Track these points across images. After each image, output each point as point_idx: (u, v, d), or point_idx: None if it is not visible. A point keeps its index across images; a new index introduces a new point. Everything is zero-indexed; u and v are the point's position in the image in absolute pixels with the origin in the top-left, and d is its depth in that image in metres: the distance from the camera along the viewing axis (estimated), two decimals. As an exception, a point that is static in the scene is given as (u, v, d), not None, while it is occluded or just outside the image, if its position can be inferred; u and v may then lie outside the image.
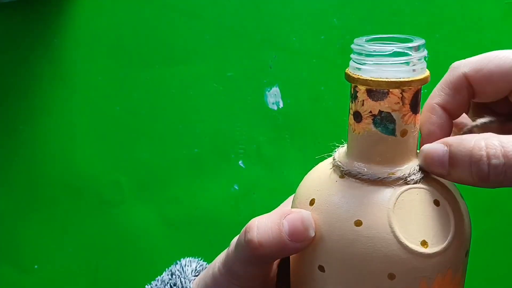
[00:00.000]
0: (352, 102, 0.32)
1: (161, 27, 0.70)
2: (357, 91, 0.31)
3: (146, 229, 0.76)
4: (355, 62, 0.31)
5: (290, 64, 0.69)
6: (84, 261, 0.78)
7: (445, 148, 0.30)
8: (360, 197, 0.31)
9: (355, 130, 0.32)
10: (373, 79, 0.30)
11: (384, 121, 0.31)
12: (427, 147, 0.31)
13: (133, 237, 0.77)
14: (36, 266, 0.79)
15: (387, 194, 0.30)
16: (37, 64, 0.73)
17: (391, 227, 0.29)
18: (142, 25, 0.70)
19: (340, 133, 0.72)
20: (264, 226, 0.32)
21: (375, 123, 0.31)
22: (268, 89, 0.70)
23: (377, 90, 0.30)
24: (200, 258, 0.48)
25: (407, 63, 0.30)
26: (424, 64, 0.31)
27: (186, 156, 0.73)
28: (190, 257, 0.47)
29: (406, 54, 0.30)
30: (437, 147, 0.30)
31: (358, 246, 0.30)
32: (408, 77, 0.30)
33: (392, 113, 0.30)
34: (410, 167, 0.31)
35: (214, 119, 0.72)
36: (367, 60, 0.30)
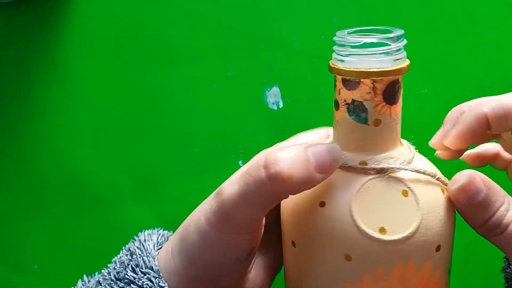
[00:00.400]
0: (334, 91, 0.35)
1: (161, 27, 0.70)
2: (336, 81, 0.34)
3: (146, 229, 0.76)
4: (335, 53, 0.33)
5: (290, 64, 0.69)
6: (84, 261, 0.78)
7: (484, 191, 0.31)
8: (329, 181, 0.32)
9: (335, 117, 0.35)
10: (345, 68, 0.32)
11: (356, 110, 0.32)
12: (471, 176, 0.32)
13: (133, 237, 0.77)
14: (36, 266, 0.79)
15: (355, 180, 0.32)
16: (37, 64, 0.73)
17: (350, 211, 0.31)
18: (142, 25, 0.70)
19: (340, 133, 0.72)
20: (290, 158, 0.30)
21: (349, 111, 0.33)
22: (268, 89, 0.70)
23: (349, 80, 0.32)
24: (160, 228, 0.45)
25: (385, 54, 0.31)
26: (403, 55, 0.32)
27: (186, 156, 0.73)
28: (149, 230, 0.44)
29: (383, 45, 0.31)
30: (479, 186, 0.31)
31: (320, 225, 0.32)
32: (379, 68, 0.31)
33: (364, 103, 0.32)
34: (384, 156, 0.32)
35: (214, 119, 0.72)
36: (345, 51, 0.32)
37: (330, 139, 0.37)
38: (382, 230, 0.30)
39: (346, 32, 0.34)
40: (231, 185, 0.33)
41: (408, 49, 0.37)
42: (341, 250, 0.31)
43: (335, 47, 0.34)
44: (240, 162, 0.72)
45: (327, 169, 0.30)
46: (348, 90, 0.32)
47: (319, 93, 0.69)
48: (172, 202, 0.75)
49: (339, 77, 0.33)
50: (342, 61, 0.32)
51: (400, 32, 0.31)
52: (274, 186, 0.30)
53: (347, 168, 0.32)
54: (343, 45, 0.32)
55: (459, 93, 0.66)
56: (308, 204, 0.32)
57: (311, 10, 0.67)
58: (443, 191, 0.33)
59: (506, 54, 0.65)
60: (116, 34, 0.71)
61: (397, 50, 0.31)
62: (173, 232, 0.41)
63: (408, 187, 0.32)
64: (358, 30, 0.33)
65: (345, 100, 0.33)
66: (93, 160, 0.75)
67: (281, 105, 0.70)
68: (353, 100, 0.32)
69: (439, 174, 0.34)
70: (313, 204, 0.32)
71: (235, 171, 0.75)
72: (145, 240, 0.41)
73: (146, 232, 0.43)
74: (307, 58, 0.68)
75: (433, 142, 0.36)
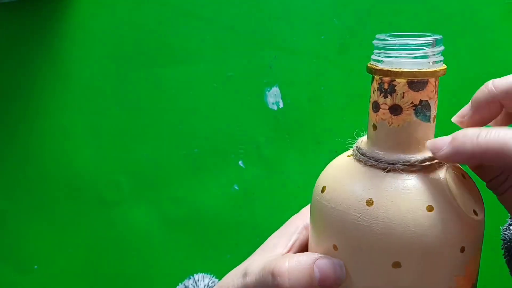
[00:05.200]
0: (386, 97, 0.33)
1: (161, 27, 0.70)
2: (395, 85, 0.32)
3: (146, 229, 0.76)
4: (390, 57, 0.33)
5: (290, 64, 0.69)
6: (84, 261, 0.78)
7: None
8: (434, 188, 0.32)
9: (392, 123, 0.33)
10: (416, 70, 0.32)
11: (423, 110, 0.33)
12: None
13: (133, 237, 0.77)
14: (36, 266, 0.79)
15: (433, 176, 0.32)
16: (37, 64, 0.73)
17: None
18: (142, 25, 0.70)
19: (340, 132, 0.73)
20: (295, 272, 0.32)
21: (416, 112, 0.33)
22: (268, 89, 0.70)
23: (418, 81, 0.32)
24: (212, 275, 0.50)
25: (426, 56, 0.32)
26: (441, 58, 0.33)
27: (186, 156, 0.73)
28: (203, 273, 0.49)
29: (421, 49, 0.32)
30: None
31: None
32: (442, 67, 0.32)
33: (429, 101, 0.33)
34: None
35: (214, 119, 0.72)
36: (406, 54, 0.32)
37: (367, 146, 0.36)
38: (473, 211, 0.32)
39: (387, 36, 0.34)
40: (253, 274, 0.36)
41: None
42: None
43: (390, 52, 0.33)
44: (240, 162, 0.72)
45: (328, 286, 0.32)
46: (416, 91, 0.32)
47: (319, 93, 0.69)
48: (172, 202, 0.75)
49: (402, 81, 0.32)
50: (400, 63, 0.33)
51: (438, 36, 0.33)
52: None
53: (426, 168, 0.32)
54: (401, 49, 0.32)
55: (459, 93, 0.66)
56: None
57: (311, 10, 0.67)
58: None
59: (506, 54, 0.65)
60: (117, 35, 0.71)
61: (438, 53, 0.33)
62: (219, 280, 0.47)
63: (463, 173, 0.34)
64: (394, 34, 0.34)
65: (412, 102, 0.32)
66: (93, 160, 0.75)
67: (281, 105, 0.70)
68: (421, 101, 0.32)
69: None
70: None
71: (235, 171, 0.76)
72: (198, 280, 0.49)
73: (201, 274, 0.48)
74: (307, 58, 0.68)
75: (454, 119, 0.36)
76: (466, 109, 0.35)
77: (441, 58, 0.33)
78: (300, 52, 0.69)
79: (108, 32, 0.71)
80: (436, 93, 0.33)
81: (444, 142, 0.31)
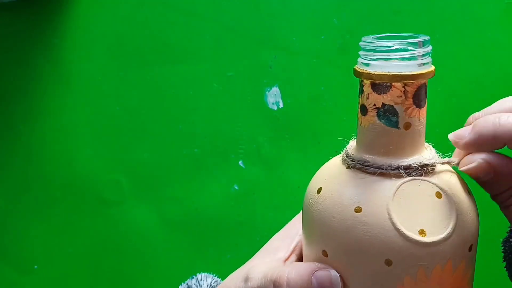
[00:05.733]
0: (359, 97, 0.34)
1: (161, 27, 0.70)
2: (363, 85, 0.33)
3: (146, 229, 0.76)
4: (362, 58, 0.33)
5: (290, 64, 0.69)
6: (84, 261, 0.78)
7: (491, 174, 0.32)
8: (362, 186, 0.32)
9: (361, 122, 0.34)
10: (376, 73, 0.31)
11: (387, 114, 0.32)
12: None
13: (133, 237, 0.77)
14: (36, 266, 0.79)
15: (388, 184, 0.31)
16: (37, 64, 0.73)
17: (389, 214, 0.30)
18: (142, 25, 0.70)
19: (340, 132, 0.72)
20: (294, 283, 0.33)
21: (378, 115, 0.32)
22: (268, 89, 0.70)
23: (380, 84, 0.31)
24: (215, 275, 0.50)
25: (411, 58, 0.31)
26: (429, 60, 0.32)
27: (186, 156, 0.73)
28: (206, 273, 0.50)
29: (409, 50, 0.31)
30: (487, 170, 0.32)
31: (357, 231, 0.31)
32: (411, 71, 0.31)
33: (395, 106, 0.31)
34: (415, 159, 0.32)
35: (214, 119, 0.72)
36: (372, 56, 0.32)
37: (353, 144, 0.36)
38: (421, 232, 0.30)
39: (372, 38, 0.33)
40: (255, 280, 0.36)
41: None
42: (381, 255, 0.31)
43: (361, 52, 0.33)
44: (240, 162, 0.72)
45: None
46: (378, 94, 0.32)
47: (319, 93, 0.69)
48: (172, 202, 0.75)
49: (367, 82, 0.32)
50: (368, 65, 0.32)
51: (425, 37, 0.32)
52: None
53: (379, 173, 0.32)
54: (370, 50, 0.32)
55: (459, 92, 0.66)
56: (342, 211, 0.32)
57: (311, 10, 0.67)
58: (469, 193, 0.33)
59: (506, 54, 0.65)
60: (116, 35, 0.71)
61: (424, 55, 0.31)
62: (221, 280, 0.48)
63: (441, 189, 0.32)
64: (382, 36, 0.33)
65: (374, 105, 0.32)
66: (94, 160, 0.75)
67: (281, 105, 0.70)
68: (384, 104, 0.32)
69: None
70: (347, 210, 0.31)
71: (235, 171, 0.75)
72: (201, 279, 0.49)
73: (203, 274, 0.48)
74: (307, 58, 0.68)
75: (451, 137, 0.36)
76: (464, 132, 0.33)
77: (419, 61, 0.31)
78: (300, 52, 0.69)
79: (108, 32, 0.71)
80: (408, 99, 0.31)
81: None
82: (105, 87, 0.72)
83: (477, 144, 0.31)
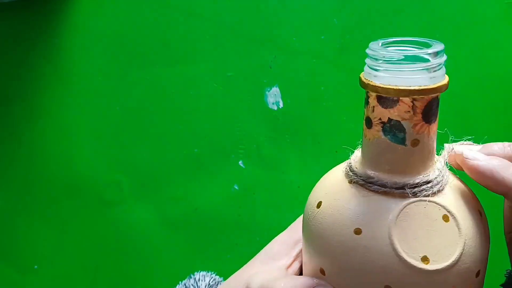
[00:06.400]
0: (364, 107, 0.31)
1: (161, 27, 0.70)
2: (369, 97, 0.30)
3: (146, 229, 0.76)
4: (369, 67, 0.30)
5: (290, 64, 0.69)
6: (84, 261, 0.78)
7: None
8: (364, 206, 0.30)
9: (366, 135, 0.31)
10: (382, 85, 0.28)
11: (393, 129, 0.29)
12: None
13: (133, 237, 0.77)
14: (36, 266, 0.79)
15: (392, 205, 0.29)
16: (37, 64, 0.73)
17: (390, 239, 0.28)
18: (142, 25, 0.70)
19: (340, 133, 0.73)
20: None
21: (384, 130, 0.30)
22: (268, 89, 0.70)
23: (387, 97, 0.29)
24: (213, 272, 0.49)
25: (423, 70, 0.28)
26: (442, 71, 0.29)
27: (186, 156, 0.73)
28: (203, 271, 0.48)
29: (422, 60, 0.28)
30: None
31: (356, 255, 0.29)
32: (420, 86, 0.28)
33: (402, 122, 0.29)
34: (422, 178, 0.30)
35: (214, 119, 0.72)
36: (379, 66, 0.29)
37: (358, 155, 0.33)
38: (424, 259, 0.28)
39: (380, 44, 0.30)
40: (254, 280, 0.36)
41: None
42: (380, 281, 0.29)
43: (368, 60, 0.30)
44: (240, 162, 0.72)
45: None
46: (384, 108, 0.29)
47: (319, 93, 0.69)
48: (172, 202, 0.75)
49: (373, 94, 0.29)
50: (374, 75, 0.29)
51: (440, 46, 0.29)
52: None
53: (383, 192, 0.30)
54: (377, 59, 0.29)
55: (459, 93, 0.66)
56: (341, 231, 0.30)
57: (311, 10, 0.67)
58: (480, 213, 0.31)
59: (506, 54, 0.65)
60: (116, 35, 0.71)
61: (436, 67, 0.29)
62: (224, 280, 0.46)
63: (449, 211, 0.29)
64: (393, 41, 0.30)
65: (380, 119, 0.29)
66: (94, 160, 0.75)
67: (281, 105, 0.70)
68: (390, 119, 0.29)
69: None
70: (347, 231, 0.29)
71: (235, 171, 0.75)
72: (199, 279, 0.47)
73: (201, 272, 0.47)
74: (307, 58, 0.68)
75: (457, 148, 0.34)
76: (480, 156, 0.31)
77: (431, 74, 0.29)
78: (300, 52, 0.69)
79: (108, 32, 0.71)
80: (416, 114, 0.29)
81: (482, 155, 0.30)
82: (105, 87, 0.72)
83: (484, 176, 0.29)
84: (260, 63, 0.69)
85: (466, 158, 0.30)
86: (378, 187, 0.30)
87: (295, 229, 0.40)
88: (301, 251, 0.38)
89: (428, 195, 0.29)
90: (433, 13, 0.65)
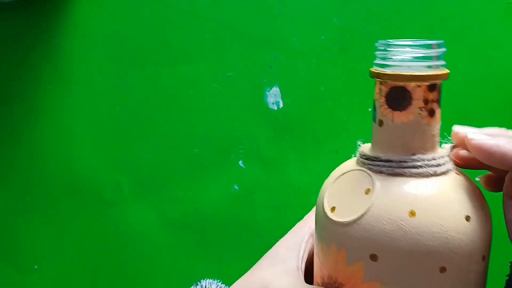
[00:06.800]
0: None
1: (161, 27, 0.70)
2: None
3: (146, 229, 0.76)
4: (378, 57, 0.33)
5: (290, 64, 0.69)
6: (84, 261, 0.78)
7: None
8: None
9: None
10: (374, 70, 0.32)
11: (373, 107, 0.33)
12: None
13: (133, 237, 0.77)
14: (36, 266, 0.79)
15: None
16: (37, 64, 0.73)
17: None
18: (142, 25, 0.70)
19: (340, 133, 0.73)
20: None
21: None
22: (268, 89, 0.70)
23: (373, 77, 0.32)
24: (219, 281, 0.49)
25: (418, 59, 0.32)
26: (421, 64, 0.32)
27: (186, 156, 0.73)
28: (210, 279, 0.49)
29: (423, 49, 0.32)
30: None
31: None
32: (385, 71, 0.32)
33: (375, 101, 0.33)
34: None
35: (214, 119, 0.72)
36: (386, 54, 0.32)
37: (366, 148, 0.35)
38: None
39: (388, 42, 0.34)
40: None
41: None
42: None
43: (379, 53, 0.33)
44: (240, 162, 0.72)
45: None
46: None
47: (319, 93, 0.69)
48: (172, 202, 0.75)
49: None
50: (385, 65, 0.33)
51: (440, 41, 0.33)
52: None
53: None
54: (391, 50, 0.33)
55: (459, 92, 0.66)
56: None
57: (311, 10, 0.67)
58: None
59: (506, 54, 0.65)
60: (116, 35, 0.71)
61: (413, 58, 0.33)
62: (228, 286, 0.46)
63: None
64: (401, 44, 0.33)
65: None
66: (94, 160, 0.75)
67: (281, 105, 0.70)
68: (373, 100, 0.33)
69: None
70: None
71: (235, 171, 0.75)
72: (205, 286, 0.48)
73: (208, 280, 0.48)
74: (307, 58, 0.68)
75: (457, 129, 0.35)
76: (481, 132, 0.33)
77: (409, 64, 0.31)
78: (300, 52, 0.69)
79: (108, 32, 0.71)
80: (382, 97, 0.32)
81: (483, 134, 0.32)
82: (105, 87, 0.72)
83: (490, 151, 0.31)
84: (260, 63, 0.69)
85: (471, 138, 0.32)
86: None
87: (296, 233, 0.40)
88: (305, 253, 0.38)
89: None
90: (433, 13, 0.65)
